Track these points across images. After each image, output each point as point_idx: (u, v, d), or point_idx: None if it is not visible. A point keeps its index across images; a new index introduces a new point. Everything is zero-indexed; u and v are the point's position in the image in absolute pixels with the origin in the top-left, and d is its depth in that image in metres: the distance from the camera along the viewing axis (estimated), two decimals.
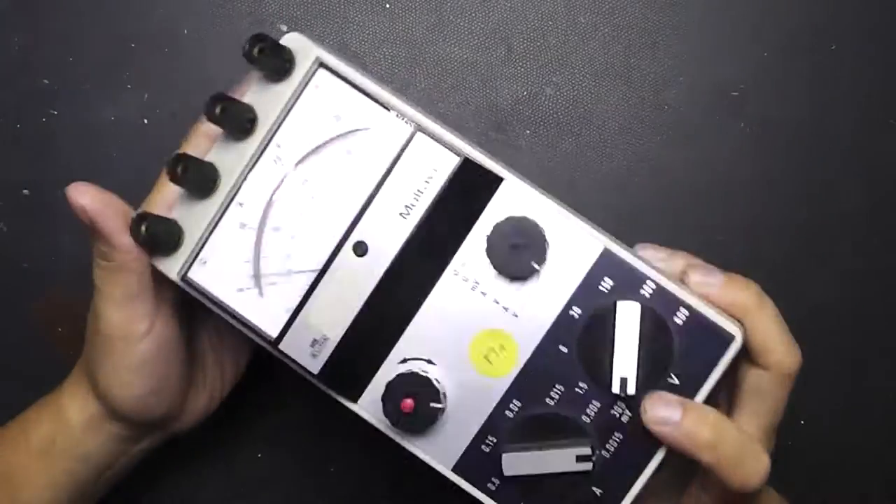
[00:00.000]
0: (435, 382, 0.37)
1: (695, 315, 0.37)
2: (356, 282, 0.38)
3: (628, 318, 0.36)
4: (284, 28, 0.54)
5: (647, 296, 0.37)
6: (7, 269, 0.55)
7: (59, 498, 0.45)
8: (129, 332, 0.41)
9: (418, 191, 0.38)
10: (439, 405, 0.37)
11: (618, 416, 0.37)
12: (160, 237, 0.39)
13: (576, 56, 0.54)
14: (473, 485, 0.38)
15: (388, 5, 0.54)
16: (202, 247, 0.39)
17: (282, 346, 0.39)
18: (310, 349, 0.39)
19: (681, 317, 0.37)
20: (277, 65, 0.38)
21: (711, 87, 0.54)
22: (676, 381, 0.37)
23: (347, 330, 0.38)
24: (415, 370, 0.37)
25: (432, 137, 0.38)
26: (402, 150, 0.38)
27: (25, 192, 0.54)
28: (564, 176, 0.54)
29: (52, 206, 0.54)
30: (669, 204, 0.54)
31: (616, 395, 0.37)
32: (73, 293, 0.54)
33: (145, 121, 0.54)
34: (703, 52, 0.54)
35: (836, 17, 0.54)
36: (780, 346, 0.37)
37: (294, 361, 0.39)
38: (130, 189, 0.55)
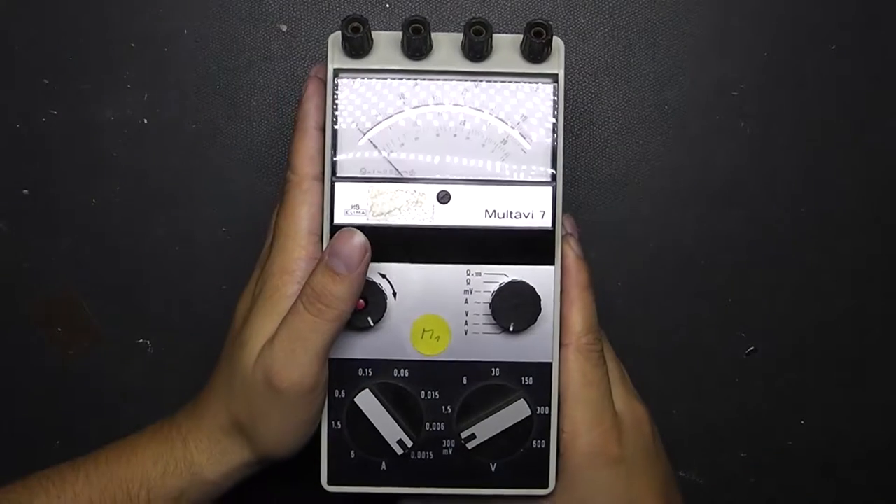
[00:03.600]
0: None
1: None
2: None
3: None
4: (284, 28, 0.54)
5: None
6: (7, 269, 0.55)
7: None
8: (316, 385, 0.42)
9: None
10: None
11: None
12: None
13: (576, 56, 0.54)
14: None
15: (388, 5, 0.54)
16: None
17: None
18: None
19: None
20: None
21: (711, 87, 0.54)
22: None
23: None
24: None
25: None
26: None
27: (25, 191, 0.54)
28: (564, 176, 0.54)
29: (52, 206, 0.54)
30: (669, 204, 0.54)
31: None
32: (72, 293, 0.54)
33: (145, 121, 0.54)
34: (703, 52, 0.54)
35: (836, 17, 0.54)
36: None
37: None
38: (131, 189, 0.55)
